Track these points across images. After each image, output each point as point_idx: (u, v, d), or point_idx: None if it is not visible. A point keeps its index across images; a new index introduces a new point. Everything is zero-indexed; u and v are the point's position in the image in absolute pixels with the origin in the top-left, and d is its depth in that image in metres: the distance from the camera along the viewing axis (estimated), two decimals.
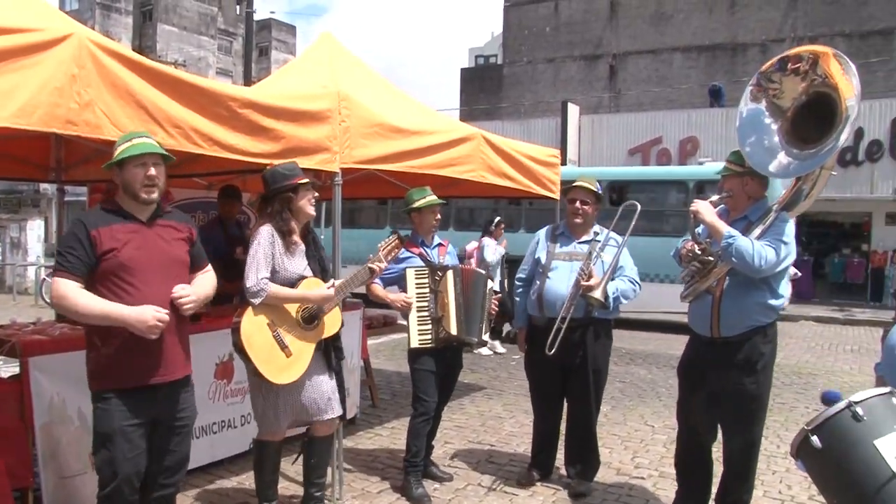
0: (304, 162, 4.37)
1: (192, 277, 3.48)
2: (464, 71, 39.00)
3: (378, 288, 4.90)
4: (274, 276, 3.94)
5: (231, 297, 5.95)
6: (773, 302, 4.03)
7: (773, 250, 3.84)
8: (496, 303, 5.15)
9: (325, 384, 4.16)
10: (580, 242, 4.93)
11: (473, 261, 10.38)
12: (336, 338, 4.25)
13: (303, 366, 3.98)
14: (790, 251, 3.93)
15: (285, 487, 4.86)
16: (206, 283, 3.54)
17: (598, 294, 4.49)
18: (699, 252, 4.06)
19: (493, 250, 10.63)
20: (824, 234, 25.24)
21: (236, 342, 3.91)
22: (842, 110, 3.61)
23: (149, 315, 3.08)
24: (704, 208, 4.02)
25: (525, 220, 15.98)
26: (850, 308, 19.96)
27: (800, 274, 20.47)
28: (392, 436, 6.29)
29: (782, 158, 3.85)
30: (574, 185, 5.03)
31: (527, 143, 7.17)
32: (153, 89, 3.52)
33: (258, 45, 56.44)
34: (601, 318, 4.85)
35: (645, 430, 6.78)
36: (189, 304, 3.29)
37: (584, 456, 5.08)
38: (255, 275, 3.88)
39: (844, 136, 3.61)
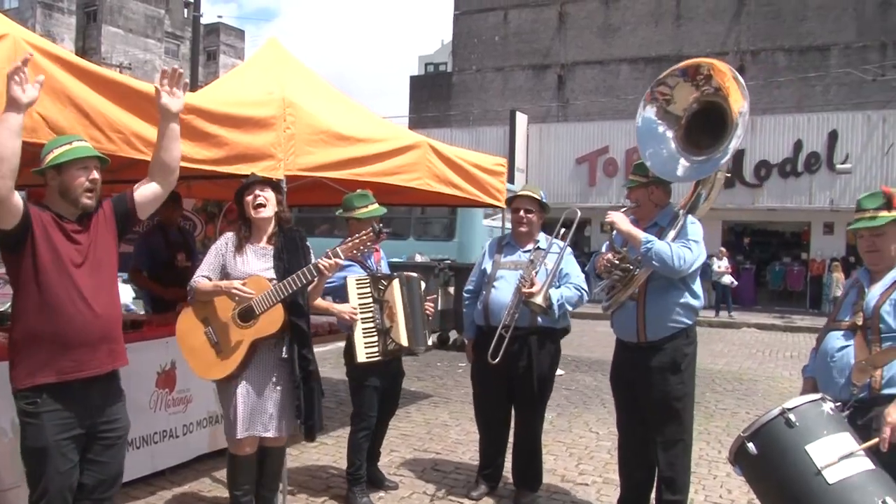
0: (249, 168, 4.34)
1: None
2: (413, 79, 39.04)
3: (320, 299, 4.76)
4: (226, 278, 3.96)
5: (174, 305, 5.85)
6: (693, 302, 4.26)
7: (689, 250, 4.06)
8: (431, 305, 5.10)
9: (281, 396, 4.03)
10: (525, 251, 4.95)
11: None
12: (303, 345, 4.07)
13: (233, 363, 3.89)
14: (701, 250, 4.16)
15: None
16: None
17: (539, 300, 4.51)
18: (618, 262, 4.21)
19: None
20: (766, 243, 25.85)
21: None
22: (732, 119, 3.92)
23: None
24: (619, 218, 4.20)
25: (414, 229, 16.33)
26: (790, 315, 20.45)
27: (736, 283, 20.97)
28: (337, 445, 6.23)
29: (683, 163, 4.12)
30: (518, 194, 5.08)
31: (475, 151, 7.20)
32: (93, 93, 3.46)
33: (206, 49, 55.75)
34: (547, 326, 4.85)
35: (590, 436, 6.84)
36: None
37: (530, 465, 5.09)
38: (195, 275, 3.99)
39: (735, 143, 3.93)
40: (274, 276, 3.97)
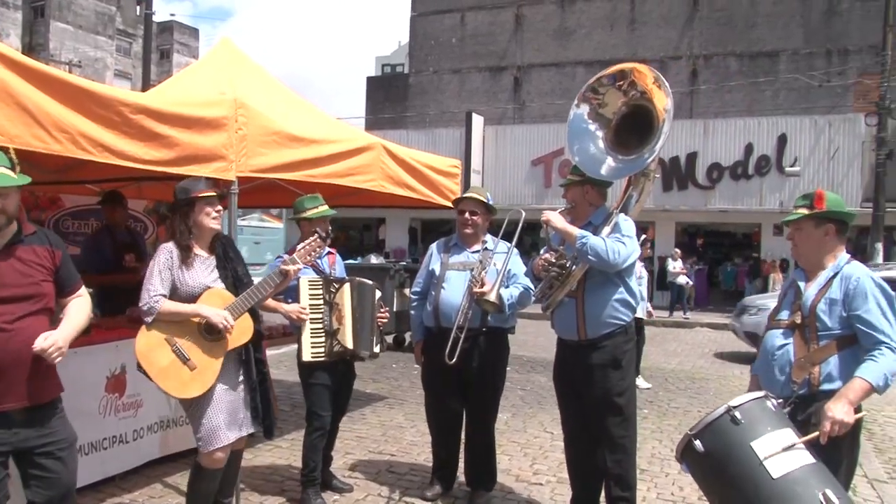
0: (200, 170, 4.29)
1: (64, 302, 3.28)
2: (370, 79, 38.91)
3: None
4: (175, 292, 3.82)
5: (123, 308, 5.76)
6: (630, 299, 4.37)
7: (622, 245, 4.17)
8: (385, 316, 5.15)
9: (240, 398, 4.00)
10: (472, 252, 5.00)
11: None
12: (258, 349, 4.08)
13: (211, 377, 3.83)
14: (635, 246, 4.29)
15: (180, 502, 4.74)
16: (77, 313, 3.30)
17: (492, 297, 4.55)
18: (555, 260, 4.29)
19: (638, 271, 9.99)
20: (718, 245, 26.28)
21: (137, 363, 3.79)
22: (659, 119, 4.05)
23: None
24: (555, 217, 4.30)
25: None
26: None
27: (691, 282, 21.28)
28: (292, 447, 6.19)
29: (610, 162, 4.25)
30: (464, 196, 5.16)
31: (431, 153, 7.21)
32: (37, 91, 3.40)
33: (160, 47, 54.89)
34: (497, 326, 4.93)
35: (544, 436, 6.89)
36: (56, 356, 3.05)
37: (484, 465, 5.11)
38: (147, 293, 3.76)
39: (662, 141, 4.06)
40: (222, 286, 3.94)
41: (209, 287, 3.90)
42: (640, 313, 9.40)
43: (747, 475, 2.82)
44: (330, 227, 5.12)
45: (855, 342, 3.15)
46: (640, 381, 9.57)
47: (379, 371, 10.09)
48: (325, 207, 5.03)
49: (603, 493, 4.54)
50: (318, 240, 4.18)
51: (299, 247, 4.19)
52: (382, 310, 5.14)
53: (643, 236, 10.32)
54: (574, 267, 4.27)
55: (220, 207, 3.99)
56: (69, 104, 3.54)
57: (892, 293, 3.19)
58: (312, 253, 4.18)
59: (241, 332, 3.91)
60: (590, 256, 4.12)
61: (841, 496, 2.73)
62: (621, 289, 4.33)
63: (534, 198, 24.04)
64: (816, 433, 2.94)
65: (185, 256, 3.86)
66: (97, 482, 4.94)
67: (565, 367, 4.56)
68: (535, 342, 13.58)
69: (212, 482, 4.00)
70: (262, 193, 6.72)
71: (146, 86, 15.99)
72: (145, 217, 8.31)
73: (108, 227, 6.68)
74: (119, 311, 5.81)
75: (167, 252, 3.85)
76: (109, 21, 51.79)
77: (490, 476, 5.13)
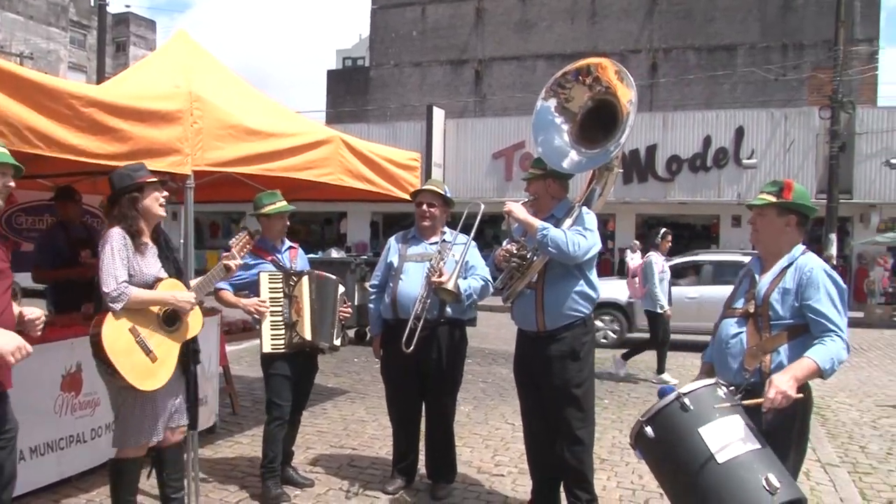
0: (154, 164, 4.23)
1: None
2: (330, 73, 38.68)
3: (228, 294, 4.92)
4: (130, 280, 3.72)
5: (78, 305, 5.66)
6: (590, 292, 4.39)
7: (583, 237, 4.20)
8: (348, 310, 5.19)
9: (180, 390, 4.02)
10: (430, 244, 5.04)
11: (638, 278, 9.92)
12: (193, 340, 4.06)
13: (169, 370, 3.81)
14: (596, 239, 4.32)
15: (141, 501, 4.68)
16: None
17: (450, 286, 4.57)
18: (516, 251, 4.33)
19: (661, 266, 9.75)
20: (678, 236, 26.50)
21: (98, 353, 3.65)
22: (623, 113, 4.10)
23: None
24: (516, 208, 4.34)
25: None
26: None
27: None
28: (252, 443, 6.15)
29: (573, 156, 4.29)
30: (422, 188, 5.19)
31: (392, 146, 7.19)
32: None
33: (115, 39, 53.89)
34: (455, 318, 4.96)
35: (506, 428, 6.93)
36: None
37: (444, 457, 5.14)
38: (113, 279, 3.63)
39: (626, 134, 4.10)
40: (166, 276, 3.92)
41: (160, 278, 3.86)
42: (661, 309, 9.49)
43: (694, 460, 2.87)
44: (288, 222, 5.18)
45: (806, 332, 3.20)
46: (668, 377, 9.74)
47: (340, 365, 10.06)
48: (283, 203, 5.08)
49: (563, 484, 4.58)
50: (247, 235, 4.25)
51: (231, 242, 4.22)
52: (346, 304, 5.17)
53: (663, 229, 10.31)
54: (535, 258, 4.31)
55: (166, 193, 3.97)
56: (15, 96, 3.46)
57: (844, 286, 3.25)
58: (246, 248, 4.25)
59: (195, 322, 3.93)
60: (550, 248, 4.15)
61: (783, 480, 2.78)
62: (581, 281, 4.36)
63: (495, 191, 24.13)
64: (760, 400, 2.98)
65: (137, 243, 3.79)
66: (54, 483, 4.85)
67: (524, 359, 4.59)
68: (496, 335, 13.64)
69: (137, 472, 3.99)
70: (219, 188, 6.65)
71: (101, 79, 15.72)
72: (101, 212, 8.17)
73: (62, 222, 6.57)
74: (74, 307, 5.71)
75: (120, 236, 3.72)
76: (62, 12, 50.65)
77: (450, 468, 5.16)
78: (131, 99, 4.21)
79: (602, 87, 4.22)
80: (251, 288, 4.91)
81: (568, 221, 4.30)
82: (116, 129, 4.02)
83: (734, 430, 2.89)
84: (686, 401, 2.96)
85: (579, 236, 4.19)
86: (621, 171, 4.69)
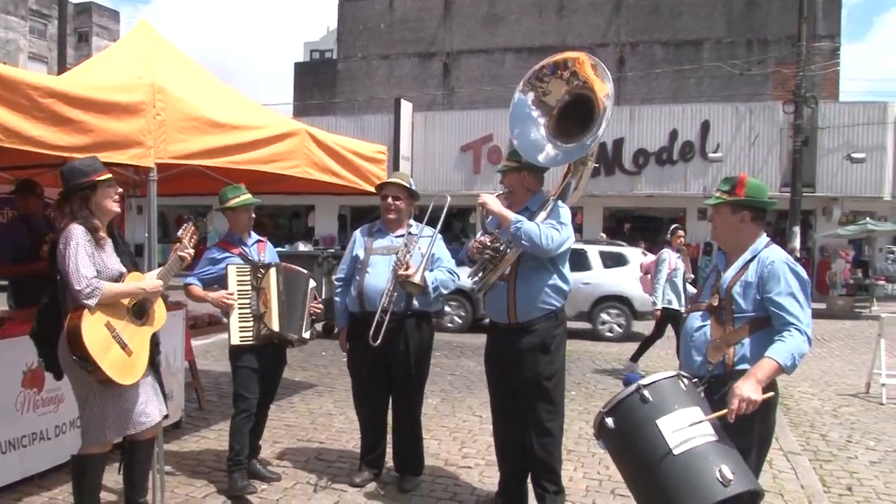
0: (117, 156, 4.17)
1: None
2: (298, 65, 38.41)
3: (197, 288, 4.95)
4: (97, 276, 3.69)
5: (39, 300, 5.56)
6: (561, 284, 4.42)
7: (557, 231, 4.22)
8: (319, 305, 5.21)
9: (150, 383, 3.98)
10: (396, 236, 5.04)
11: (650, 275, 9.78)
12: (155, 334, 4.07)
13: (144, 362, 3.81)
14: (570, 233, 4.34)
15: (103, 498, 4.63)
16: None
17: (416, 279, 4.59)
18: (489, 243, 4.34)
19: (673, 263, 9.53)
20: (645, 229, 26.78)
21: (77, 349, 3.58)
22: (600, 107, 4.10)
23: None
24: (491, 200, 4.34)
25: None
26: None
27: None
28: (219, 438, 6.11)
29: (550, 150, 4.28)
30: (387, 181, 5.21)
31: (360, 139, 7.15)
32: None
33: (77, 30, 52.94)
34: (422, 310, 4.98)
35: (473, 420, 6.95)
36: None
37: (411, 450, 5.15)
38: (83, 276, 3.59)
39: (603, 129, 4.09)
40: (125, 270, 3.90)
41: (123, 272, 3.85)
42: (675, 304, 9.31)
43: (651, 451, 2.91)
44: (254, 215, 5.19)
45: (768, 324, 3.23)
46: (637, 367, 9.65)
47: (308, 359, 10.03)
48: (248, 196, 5.09)
49: (530, 476, 4.62)
50: (192, 225, 4.23)
51: (180, 234, 4.17)
52: (316, 300, 5.19)
53: (674, 225, 10.20)
54: (508, 251, 4.33)
55: (119, 189, 3.94)
56: None
57: (806, 277, 3.28)
58: (194, 236, 4.21)
59: (160, 315, 3.95)
60: (523, 241, 4.17)
61: (738, 471, 2.82)
62: (554, 275, 4.39)
63: (463, 184, 24.17)
64: (725, 411, 3.02)
65: (97, 238, 3.76)
66: (16, 482, 4.77)
67: (496, 350, 4.61)
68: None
69: (100, 470, 3.97)
70: (184, 181, 6.58)
71: (62, 70, 15.40)
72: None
73: (23, 216, 6.46)
74: (35, 302, 5.59)
75: (83, 232, 3.69)
76: (21, 1, 49.61)
77: (417, 460, 5.16)
78: (92, 90, 4.13)
79: (579, 82, 4.22)
80: (220, 282, 4.91)
81: (542, 214, 4.32)
82: (77, 121, 3.94)
83: (691, 420, 2.92)
84: (646, 392, 2.99)
85: (553, 230, 4.21)
86: (596, 165, 4.72)
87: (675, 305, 9.27)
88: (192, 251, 4.14)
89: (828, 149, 22.21)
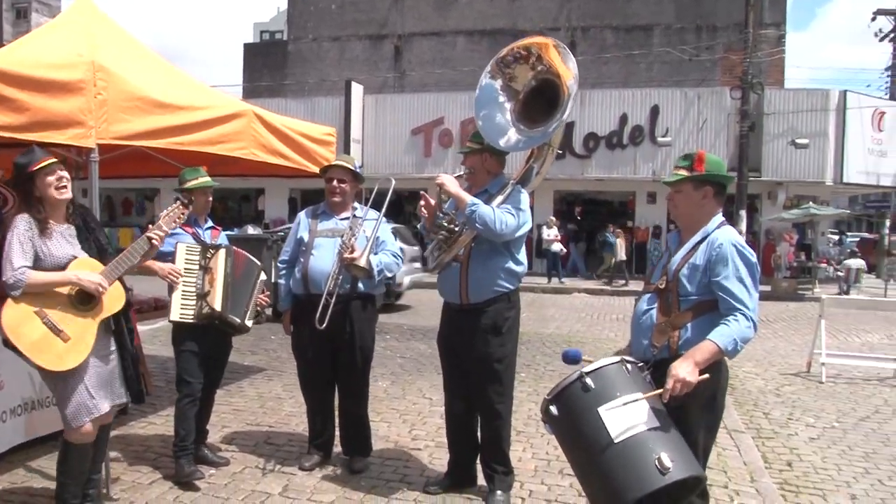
0: (55, 136, 4.06)
1: None
2: (247, 46, 37.78)
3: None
4: (39, 264, 3.67)
5: None
6: (515, 268, 4.44)
7: (512, 216, 4.23)
8: (266, 298, 5.18)
9: (112, 368, 3.92)
10: (341, 219, 5.03)
11: None
12: (128, 318, 4.04)
13: (87, 346, 3.72)
14: (527, 219, 4.36)
15: (46, 487, 4.55)
16: None
17: (362, 262, 4.59)
18: (445, 223, 4.35)
19: None
20: (595, 213, 27.06)
21: (5, 340, 3.62)
22: (565, 92, 4.12)
23: None
24: (448, 180, 4.34)
25: None
26: (617, 280, 21.52)
27: (565, 250, 21.89)
28: (166, 423, 6.03)
29: (512, 135, 4.29)
30: (331, 164, 5.21)
31: (310, 122, 7.07)
32: None
33: (15, 5, 51.42)
34: (366, 293, 4.99)
35: (423, 402, 6.97)
36: None
37: (358, 432, 5.15)
38: (10, 267, 3.59)
39: (567, 114, 4.12)
40: (86, 256, 3.84)
41: (76, 257, 3.79)
42: None
43: (593, 438, 2.92)
44: (211, 198, 5.17)
45: (715, 308, 3.18)
46: None
47: (257, 343, 9.95)
48: (206, 179, 5.06)
49: (479, 456, 4.66)
50: (181, 206, 4.15)
51: (162, 214, 4.14)
52: (265, 293, 5.17)
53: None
54: (463, 232, 4.34)
55: (62, 174, 3.81)
56: None
57: (755, 261, 3.22)
58: (177, 220, 4.14)
59: (114, 299, 3.85)
60: (477, 224, 4.17)
61: (678, 458, 2.84)
62: (508, 258, 4.41)
63: (413, 167, 24.13)
64: (659, 391, 3.02)
65: (43, 228, 3.73)
66: None
67: (448, 331, 4.63)
68: (415, 310, 13.71)
69: (84, 459, 3.90)
70: (130, 163, 6.44)
71: None
72: (4, 189, 7.83)
73: None
74: None
75: (26, 222, 3.70)
76: None
77: (364, 443, 5.17)
78: (28, 67, 4.00)
79: (544, 67, 4.24)
80: (167, 259, 4.82)
81: (499, 199, 4.34)
82: (12, 99, 3.83)
83: (635, 408, 2.93)
84: (588, 380, 3.00)
85: (508, 215, 4.22)
86: (560, 151, 4.74)
87: None
88: (162, 233, 4.05)
89: (773, 134, 22.62)
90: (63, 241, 3.80)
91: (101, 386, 3.81)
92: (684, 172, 3.35)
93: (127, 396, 4.02)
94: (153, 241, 3.98)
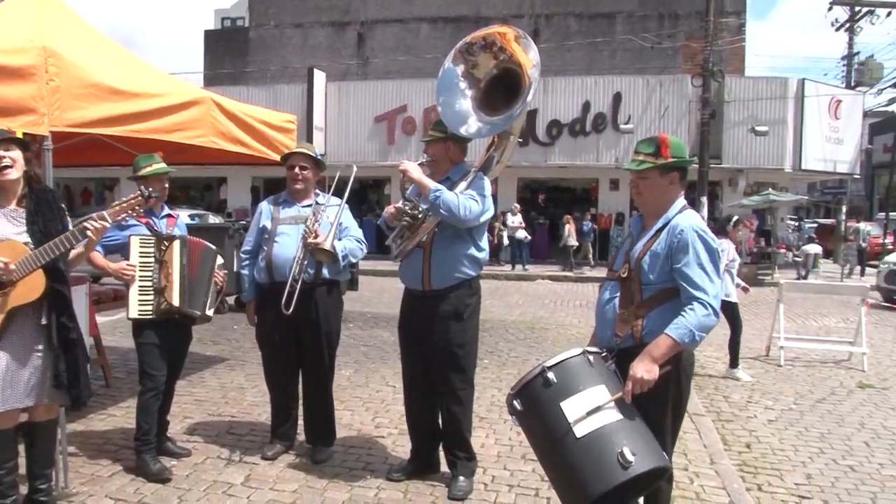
0: (6, 123, 3.94)
1: None
2: (208, 33, 37.24)
3: (98, 256, 4.67)
4: None
5: None
6: (477, 254, 4.46)
7: (476, 202, 4.25)
8: (222, 276, 5.08)
9: (42, 363, 3.75)
10: (303, 206, 5.00)
11: None
12: (62, 312, 3.79)
13: None
14: (489, 205, 4.38)
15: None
16: None
17: (326, 246, 4.59)
18: (408, 210, 4.35)
19: (731, 255, 8.89)
20: (559, 199, 27.21)
21: None
22: (525, 82, 4.13)
23: None
24: (412, 167, 4.34)
25: None
26: (580, 266, 21.67)
27: (529, 237, 22.00)
28: (127, 416, 5.94)
29: (473, 122, 4.30)
30: (293, 151, 5.17)
31: (272, 109, 7.00)
32: None
33: None
34: (331, 279, 4.95)
35: (386, 390, 6.96)
36: None
37: (323, 422, 5.13)
38: None
39: (528, 99, 4.14)
40: (29, 240, 3.69)
41: (8, 239, 3.64)
42: (733, 297, 8.50)
43: (556, 433, 2.93)
44: (151, 190, 4.92)
45: (677, 295, 3.16)
46: (741, 374, 8.35)
47: (220, 333, 9.87)
48: (161, 165, 4.94)
49: (442, 443, 4.68)
50: (139, 197, 3.94)
51: (114, 203, 3.98)
52: (222, 273, 5.06)
53: (735, 217, 9.56)
54: (426, 218, 4.34)
55: (4, 154, 3.66)
56: None
57: (716, 246, 3.19)
58: (130, 211, 3.95)
59: (28, 289, 3.65)
60: (442, 210, 4.19)
61: (641, 450, 2.84)
62: (471, 245, 4.43)
63: (377, 154, 24.05)
64: (619, 393, 3.01)
65: None
66: None
67: (409, 317, 4.63)
68: (379, 299, 13.68)
69: (7, 446, 3.79)
70: (86, 151, 6.35)
71: None
72: None
73: None
74: None
75: None
76: None
77: (328, 432, 5.16)
78: None
79: (506, 56, 4.24)
80: (123, 251, 4.73)
81: (462, 185, 4.35)
82: None
83: (597, 402, 2.93)
84: (549, 375, 2.99)
85: (472, 201, 4.24)
86: (521, 140, 4.75)
87: (733, 298, 8.55)
88: (107, 223, 3.85)
89: (733, 122, 22.89)
90: (2, 222, 3.68)
91: (3, 383, 3.62)
92: (650, 160, 3.28)
93: (57, 397, 3.83)
94: (88, 232, 3.78)
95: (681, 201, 3.34)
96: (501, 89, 4.27)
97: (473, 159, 4.65)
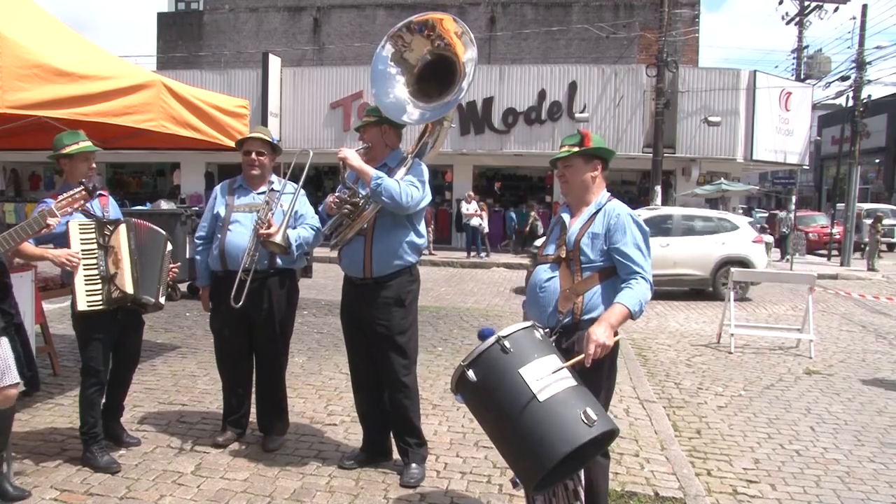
0: None
1: None
2: (161, 16, 36.50)
3: (30, 245, 4.40)
4: None
5: None
6: (417, 241, 4.50)
7: (416, 189, 4.28)
8: (176, 268, 5.02)
9: None
10: (258, 193, 4.93)
11: None
12: (2, 299, 3.77)
13: None
14: (428, 191, 4.41)
15: None
16: None
17: (278, 239, 4.53)
18: (348, 198, 4.34)
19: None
20: (514, 188, 27.31)
21: None
22: (460, 70, 4.14)
23: None
24: (351, 154, 4.33)
25: None
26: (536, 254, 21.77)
27: (486, 227, 22.07)
28: (74, 405, 5.76)
29: (412, 109, 4.30)
30: (249, 136, 5.07)
31: (227, 94, 6.91)
32: None
33: None
34: (285, 268, 4.91)
35: (340, 378, 6.92)
36: None
37: (275, 410, 5.09)
38: None
39: (464, 91, 4.14)
40: None
41: None
42: None
43: (516, 399, 2.95)
44: (94, 164, 4.79)
45: (614, 273, 3.41)
46: None
47: (172, 320, 9.72)
48: (87, 143, 4.69)
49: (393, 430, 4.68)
50: (84, 192, 3.87)
51: (60, 197, 3.86)
52: (174, 264, 4.98)
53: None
54: (367, 206, 4.33)
55: None
56: None
57: (647, 229, 3.48)
58: (74, 205, 3.86)
59: None
60: (384, 198, 4.17)
61: (599, 413, 2.93)
62: (411, 232, 4.44)
63: (333, 141, 23.86)
64: (581, 356, 3.13)
65: None
66: None
67: (351, 305, 4.62)
68: (335, 286, 13.49)
69: None
70: (33, 135, 6.20)
71: None
72: None
73: None
74: None
75: None
76: None
77: (281, 419, 5.12)
78: None
79: (443, 43, 4.23)
80: (58, 240, 4.47)
81: (401, 171, 4.35)
82: None
83: (552, 368, 2.99)
84: (506, 343, 3.02)
85: (412, 187, 4.25)
86: (454, 126, 4.76)
87: None
88: (58, 219, 3.79)
89: (687, 112, 23.16)
90: None
91: None
92: (575, 148, 3.52)
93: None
94: (49, 223, 3.71)
95: (606, 192, 3.59)
96: (434, 77, 4.27)
97: (406, 146, 4.64)
